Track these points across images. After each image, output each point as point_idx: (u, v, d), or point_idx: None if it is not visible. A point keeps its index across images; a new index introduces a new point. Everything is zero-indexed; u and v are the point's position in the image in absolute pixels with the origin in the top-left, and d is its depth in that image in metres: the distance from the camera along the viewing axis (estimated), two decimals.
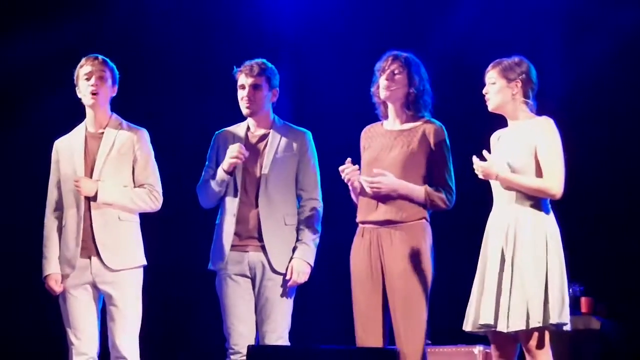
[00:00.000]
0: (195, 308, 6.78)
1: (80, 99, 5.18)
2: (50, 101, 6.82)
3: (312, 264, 5.17)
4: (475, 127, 5.21)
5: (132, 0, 7.03)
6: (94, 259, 5.01)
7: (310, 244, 5.17)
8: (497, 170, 4.65)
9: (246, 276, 5.14)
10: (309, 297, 5.47)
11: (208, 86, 6.97)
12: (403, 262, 4.90)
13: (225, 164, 5.12)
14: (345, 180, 5.01)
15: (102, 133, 5.13)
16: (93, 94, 5.09)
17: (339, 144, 5.82)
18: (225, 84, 5.53)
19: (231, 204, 5.18)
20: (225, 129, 5.36)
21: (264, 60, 5.28)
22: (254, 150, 5.22)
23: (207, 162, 5.33)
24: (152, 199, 5.13)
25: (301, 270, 5.13)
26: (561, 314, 4.56)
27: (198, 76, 7.05)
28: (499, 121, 4.94)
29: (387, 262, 4.93)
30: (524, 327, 4.54)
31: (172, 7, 7.08)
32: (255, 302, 5.14)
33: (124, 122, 5.19)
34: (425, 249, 4.94)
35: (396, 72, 5.05)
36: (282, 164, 5.20)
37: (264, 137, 5.27)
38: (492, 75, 4.80)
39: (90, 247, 5.02)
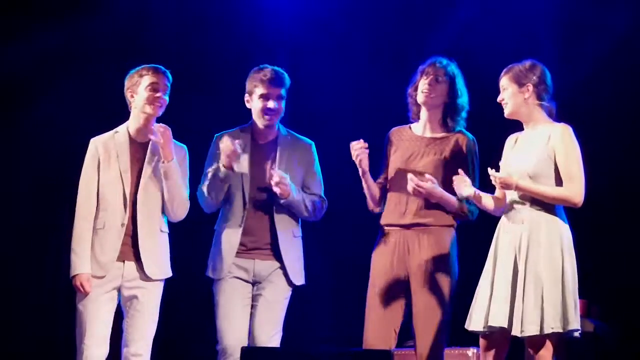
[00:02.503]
0: (187, 311, 6.81)
1: (127, 102, 5.17)
2: (50, 101, 6.86)
3: (291, 196, 5.06)
4: (479, 130, 5.22)
5: (131, 0, 7.05)
6: (129, 263, 5.01)
7: (305, 197, 5.13)
8: (516, 180, 4.66)
9: (247, 282, 5.15)
10: (302, 300, 5.50)
11: (206, 89, 6.98)
12: (430, 265, 4.90)
13: (223, 161, 5.06)
14: (354, 157, 4.94)
15: (147, 143, 5.13)
16: (157, 105, 5.10)
17: (335, 148, 5.86)
18: (224, 88, 5.54)
19: (237, 214, 5.16)
20: (227, 132, 5.30)
21: (281, 69, 5.23)
22: (261, 160, 5.21)
23: (206, 167, 5.27)
24: (184, 204, 5.14)
25: (285, 180, 5.04)
26: (575, 320, 4.58)
27: (196, 79, 7.05)
28: (506, 125, 4.95)
29: (413, 264, 4.93)
30: (537, 333, 4.54)
31: (171, 9, 7.10)
32: (254, 301, 5.13)
33: None
34: (450, 255, 4.94)
35: (440, 79, 5.01)
36: (290, 173, 5.15)
37: (271, 146, 5.25)
38: (504, 82, 4.82)
39: (127, 252, 5.02)
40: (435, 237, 4.94)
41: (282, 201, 5.09)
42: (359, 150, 4.92)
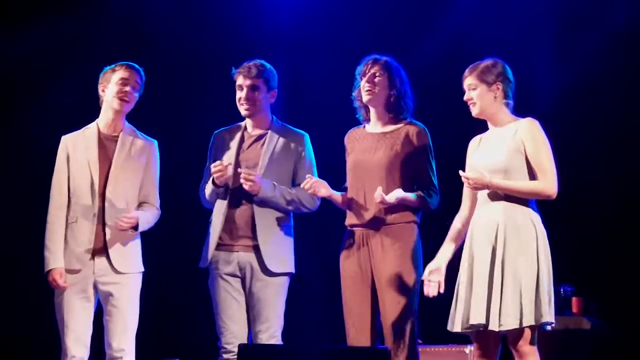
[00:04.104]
0: (188, 307, 6.80)
1: (98, 97, 5.22)
2: (49, 99, 6.85)
3: (263, 192, 5.10)
4: (465, 127, 5.22)
5: None
6: (98, 259, 5.03)
7: (284, 193, 5.15)
8: (489, 179, 4.65)
9: (236, 276, 5.17)
10: (302, 296, 5.50)
11: (203, 86, 6.98)
12: (392, 263, 4.95)
13: (215, 179, 5.15)
14: (311, 192, 5.08)
15: (116, 136, 5.17)
16: (125, 100, 5.14)
17: (333, 144, 5.85)
18: (221, 85, 5.55)
19: (221, 203, 5.21)
20: (224, 129, 5.39)
21: (263, 62, 5.30)
22: (250, 151, 5.25)
23: (208, 164, 5.34)
24: (157, 218, 5.21)
25: (252, 177, 5.08)
26: (550, 313, 4.59)
27: (193, 76, 7.06)
28: (484, 122, 4.96)
29: (377, 263, 4.98)
30: (517, 326, 4.55)
31: (169, 7, 7.09)
32: (247, 301, 5.16)
33: (137, 130, 5.24)
34: (414, 251, 4.99)
35: (377, 74, 5.10)
36: (278, 164, 5.22)
37: (260, 138, 5.28)
38: (471, 81, 4.79)
39: (98, 247, 5.04)
40: (396, 234, 4.99)
41: (254, 198, 5.14)
42: (308, 185, 5.04)
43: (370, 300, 5.00)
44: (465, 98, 4.82)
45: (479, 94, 4.78)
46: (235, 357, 4.97)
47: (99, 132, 5.18)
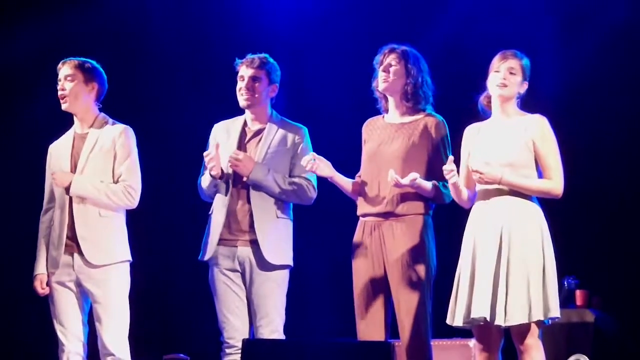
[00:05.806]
0: (191, 301, 6.79)
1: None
2: (43, 102, 6.84)
3: (254, 174, 5.08)
4: (467, 121, 5.22)
5: None
6: (76, 255, 5.04)
7: (277, 179, 5.12)
8: (501, 175, 4.64)
9: (237, 270, 5.15)
10: (305, 290, 5.48)
11: (202, 81, 6.98)
12: (405, 254, 4.90)
13: (210, 170, 5.15)
14: (309, 170, 5.00)
15: (86, 134, 5.15)
16: (60, 97, 5.13)
17: (335, 140, 5.84)
18: (221, 80, 5.55)
19: (222, 197, 5.19)
20: (224, 121, 5.37)
21: (267, 55, 5.28)
22: (249, 145, 5.23)
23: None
24: (127, 196, 5.10)
25: (245, 159, 5.09)
26: (555, 308, 4.58)
27: (192, 71, 7.06)
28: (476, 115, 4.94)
29: (389, 254, 4.93)
30: (525, 321, 4.54)
31: (168, 3, 7.08)
32: (247, 296, 5.15)
33: (110, 120, 5.21)
34: (427, 242, 4.94)
35: (393, 63, 5.06)
36: (275, 157, 5.19)
37: (260, 132, 5.26)
38: (514, 65, 4.76)
39: (72, 244, 5.04)
40: (409, 226, 4.94)
41: (245, 179, 5.11)
42: (307, 164, 4.99)
43: (382, 293, 4.96)
44: (502, 76, 4.75)
45: (516, 82, 4.76)
46: (238, 351, 4.95)
47: (74, 133, 5.19)
